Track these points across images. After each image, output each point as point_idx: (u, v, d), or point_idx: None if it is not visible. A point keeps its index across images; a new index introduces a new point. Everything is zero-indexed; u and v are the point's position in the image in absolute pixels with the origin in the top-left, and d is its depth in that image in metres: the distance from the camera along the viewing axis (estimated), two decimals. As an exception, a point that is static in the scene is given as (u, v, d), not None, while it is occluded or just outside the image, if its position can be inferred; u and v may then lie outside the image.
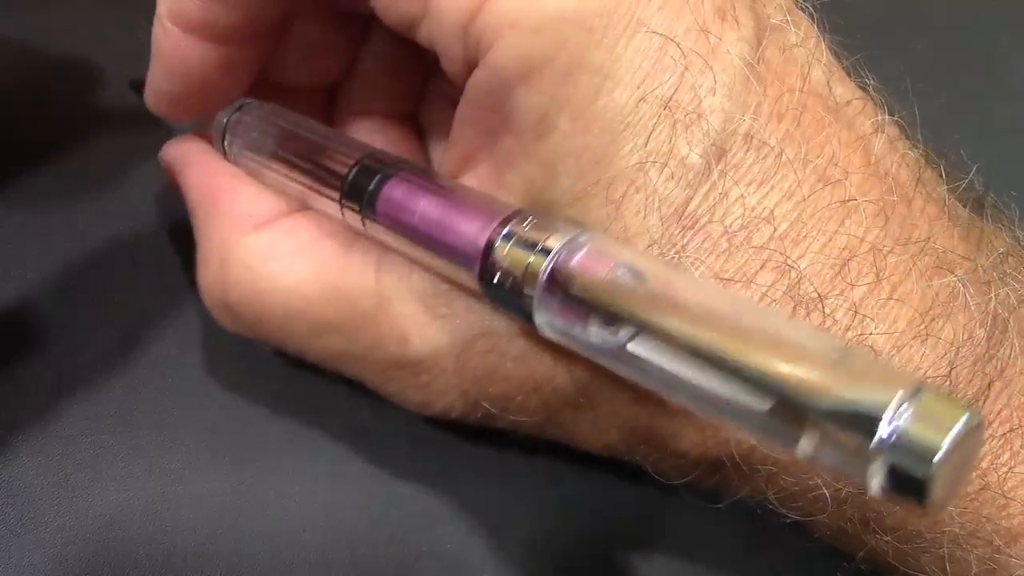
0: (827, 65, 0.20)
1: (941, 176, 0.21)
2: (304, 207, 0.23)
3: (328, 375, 0.23)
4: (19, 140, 0.28)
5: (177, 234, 0.27)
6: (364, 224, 0.20)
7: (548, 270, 0.17)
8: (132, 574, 0.24)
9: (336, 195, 0.21)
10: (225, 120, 0.24)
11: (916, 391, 0.13)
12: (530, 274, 0.17)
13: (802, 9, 0.20)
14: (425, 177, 0.20)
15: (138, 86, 0.27)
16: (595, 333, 0.16)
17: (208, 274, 0.22)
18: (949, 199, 0.21)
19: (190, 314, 0.27)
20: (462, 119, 0.20)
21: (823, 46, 0.20)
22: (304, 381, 0.26)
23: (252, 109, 0.24)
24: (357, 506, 0.25)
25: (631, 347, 0.16)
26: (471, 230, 0.18)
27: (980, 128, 0.21)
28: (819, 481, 0.19)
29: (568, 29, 0.17)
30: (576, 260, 0.17)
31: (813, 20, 0.20)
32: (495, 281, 0.17)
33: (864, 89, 0.21)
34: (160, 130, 0.28)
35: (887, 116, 0.20)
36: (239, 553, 0.24)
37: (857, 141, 0.19)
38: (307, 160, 0.22)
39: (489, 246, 0.18)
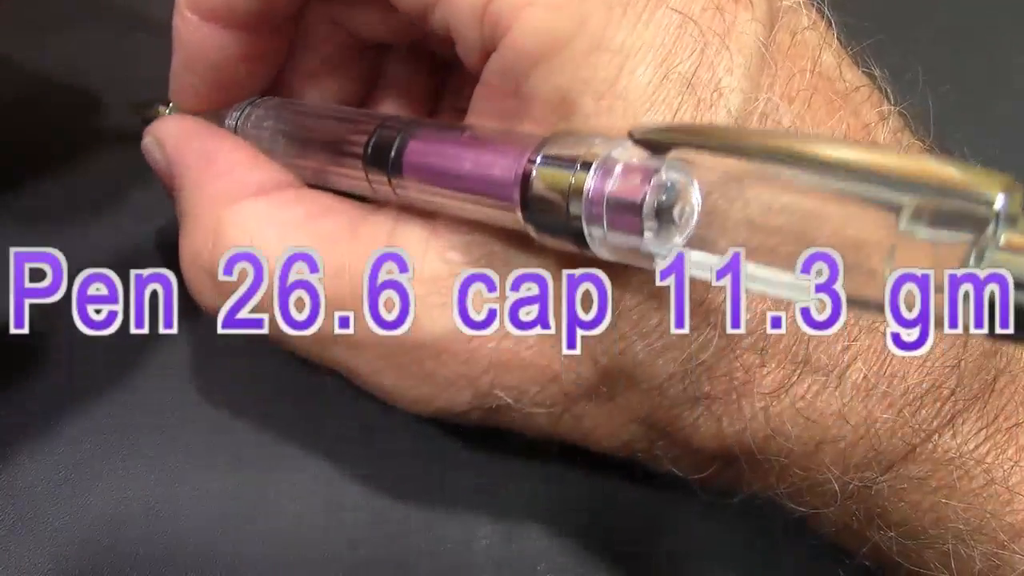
0: (836, 51, 0.20)
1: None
2: (310, 185, 0.22)
3: (330, 375, 0.23)
4: (19, 145, 0.28)
5: (177, 235, 0.27)
6: (392, 186, 0.19)
7: (594, 180, 0.16)
8: (132, 574, 0.24)
9: (358, 165, 0.20)
10: (237, 113, 0.24)
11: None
12: (575, 190, 0.16)
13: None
14: (445, 128, 0.19)
15: (138, 108, 0.26)
16: (650, 240, 0.16)
17: (196, 239, 0.21)
18: None
19: (190, 313, 0.27)
20: (478, 105, 0.19)
21: (832, 32, 0.20)
22: (304, 381, 0.26)
23: (264, 102, 0.24)
24: (357, 506, 0.25)
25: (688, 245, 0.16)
26: (505, 164, 0.17)
27: (980, 127, 0.21)
28: (828, 475, 0.19)
29: (588, 7, 0.17)
30: (623, 165, 0.16)
31: (824, 2, 0.20)
32: (539, 209, 0.17)
33: (871, 77, 0.21)
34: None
35: (892, 106, 0.20)
36: (239, 553, 0.24)
37: (864, 128, 0.19)
38: (323, 137, 0.21)
39: (527, 175, 0.17)
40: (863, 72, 0.21)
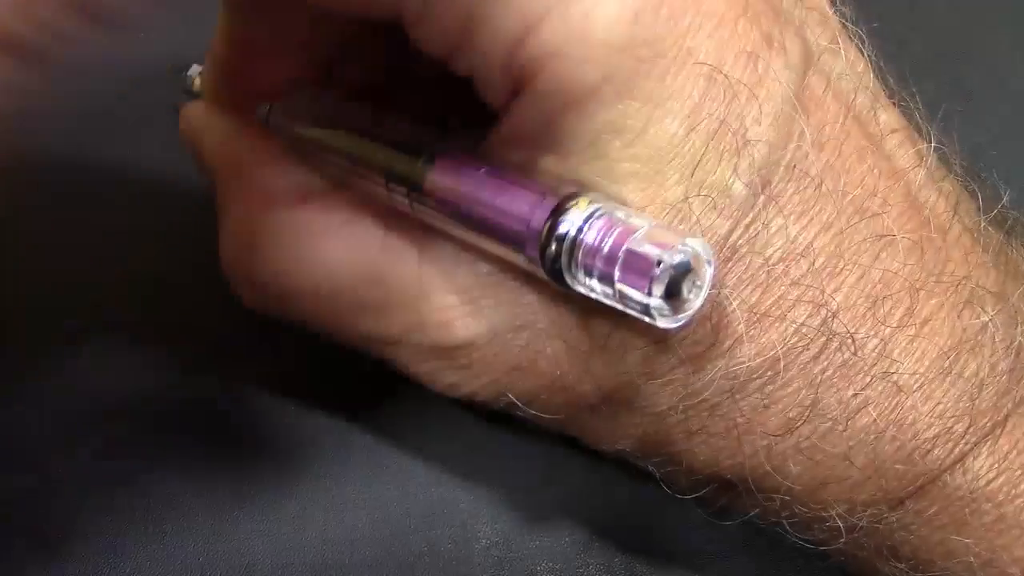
0: (873, 92, 0.20)
1: (977, 203, 0.21)
2: (341, 186, 0.22)
3: (327, 374, 0.23)
4: (21, 134, 0.28)
5: (180, 232, 0.27)
6: (411, 207, 0.20)
7: (608, 248, 0.16)
8: (133, 574, 0.24)
9: (381, 176, 0.20)
10: (267, 106, 0.23)
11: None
12: (587, 251, 0.17)
13: (851, 33, 0.20)
14: (472, 157, 0.19)
15: (177, 71, 0.27)
16: (658, 308, 0.16)
17: (234, 247, 0.22)
18: (982, 226, 0.21)
19: (191, 313, 0.27)
20: (501, 139, 0.19)
21: (870, 72, 0.20)
22: (305, 382, 0.26)
23: (297, 93, 0.24)
24: (358, 506, 0.25)
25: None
26: (525, 211, 0.17)
27: (980, 127, 0.21)
28: (832, 513, 0.19)
29: (616, 58, 0.17)
30: (641, 234, 0.16)
31: (863, 43, 0.20)
32: (554, 261, 0.17)
33: (909, 113, 0.21)
34: (157, 130, 0.28)
35: (931, 144, 0.20)
36: (239, 553, 0.24)
37: (897, 172, 0.19)
38: (351, 140, 0.22)
39: (546, 228, 0.17)
40: (902, 108, 0.21)
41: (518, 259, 0.18)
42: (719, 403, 0.19)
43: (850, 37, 0.20)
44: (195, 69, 0.26)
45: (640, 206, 0.18)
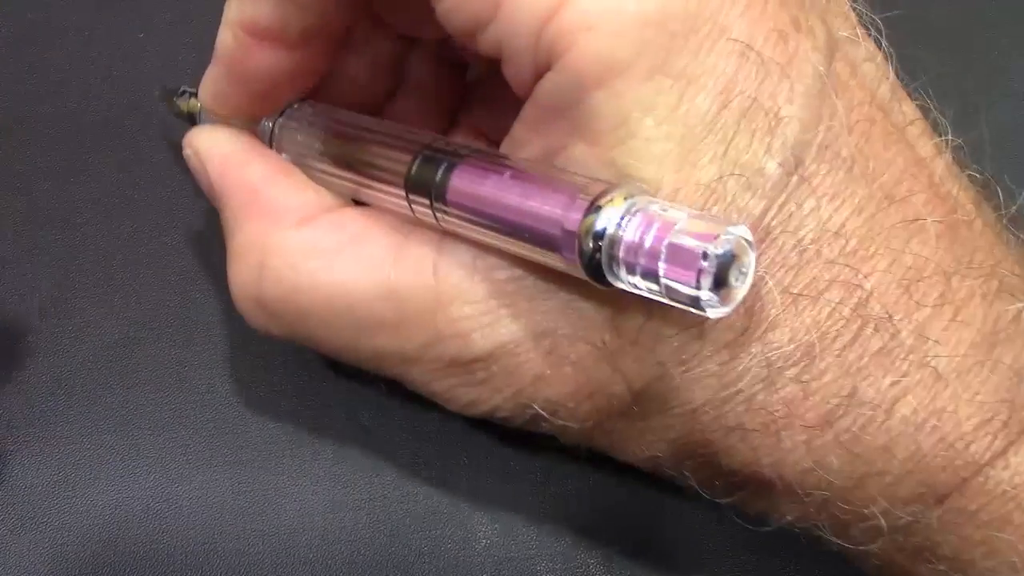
0: (892, 83, 0.20)
1: (997, 200, 0.21)
2: (351, 202, 0.22)
3: (327, 374, 0.23)
4: (18, 136, 0.28)
5: (179, 232, 0.27)
6: (436, 217, 0.19)
7: (651, 241, 0.16)
8: (132, 574, 0.24)
9: (399, 188, 0.20)
10: (273, 119, 0.23)
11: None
12: (628, 248, 0.16)
13: (867, 27, 0.20)
14: (493, 159, 0.19)
15: (168, 96, 0.26)
16: (707, 300, 0.16)
17: (243, 270, 0.22)
18: (1001, 224, 0.20)
19: (191, 313, 0.27)
20: (527, 123, 0.19)
21: (888, 63, 0.20)
22: (304, 381, 0.26)
23: (301, 107, 0.23)
24: (357, 506, 0.25)
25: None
26: (558, 212, 0.17)
27: (980, 129, 0.21)
28: (875, 509, 0.19)
29: (650, 32, 0.17)
30: (681, 225, 0.16)
31: (882, 35, 0.20)
32: (591, 260, 0.17)
33: (926, 111, 0.20)
34: (158, 130, 0.28)
35: (949, 138, 0.20)
36: (239, 553, 0.24)
37: (919, 162, 0.19)
38: (363, 153, 0.21)
39: (582, 228, 0.17)
40: (919, 104, 0.20)
41: (554, 260, 0.18)
42: (755, 394, 0.18)
43: (868, 29, 0.20)
44: (186, 93, 0.26)
45: (674, 187, 0.17)
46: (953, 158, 0.20)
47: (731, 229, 0.16)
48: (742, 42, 0.17)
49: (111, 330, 0.26)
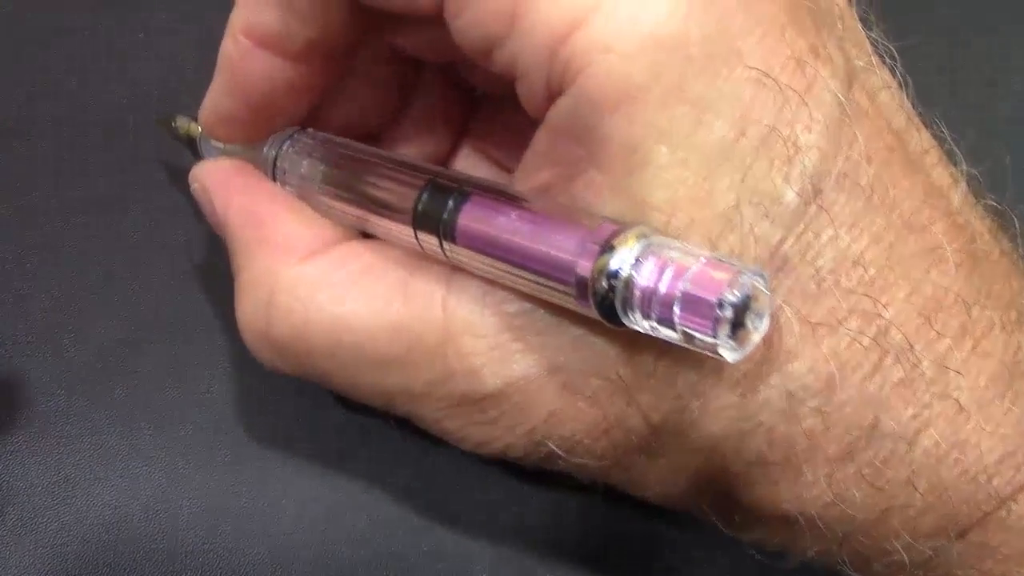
0: (908, 112, 0.20)
1: (1014, 230, 0.21)
2: (357, 234, 0.22)
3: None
4: (18, 136, 0.28)
5: (179, 232, 0.27)
6: (443, 250, 0.19)
7: (666, 287, 0.16)
8: (132, 574, 0.24)
9: (406, 221, 0.20)
10: (276, 148, 0.23)
11: None
12: (643, 294, 0.16)
13: (881, 55, 0.20)
14: (503, 193, 0.19)
15: (166, 122, 0.26)
16: (724, 344, 0.16)
17: (250, 306, 0.21)
18: (1016, 253, 0.20)
19: (191, 313, 0.27)
20: (539, 151, 0.19)
21: (903, 92, 0.20)
22: (304, 381, 0.26)
23: (305, 136, 0.23)
24: (357, 506, 0.25)
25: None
26: (570, 253, 0.17)
27: (980, 128, 0.21)
28: (897, 544, 0.18)
29: (666, 56, 0.16)
30: (694, 272, 0.16)
31: (896, 62, 0.20)
32: (603, 301, 0.16)
33: (941, 139, 0.20)
34: (156, 134, 0.28)
35: (964, 167, 0.20)
36: (239, 553, 0.24)
37: (938, 190, 0.19)
38: (368, 186, 0.21)
39: (595, 270, 0.16)
40: (932, 134, 0.20)
41: (566, 301, 0.17)
42: (775, 426, 0.18)
43: (883, 57, 0.20)
44: (183, 120, 0.26)
45: (689, 216, 0.17)
46: (968, 187, 0.20)
47: (746, 274, 0.15)
48: (759, 69, 0.17)
49: (111, 330, 0.26)
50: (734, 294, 0.15)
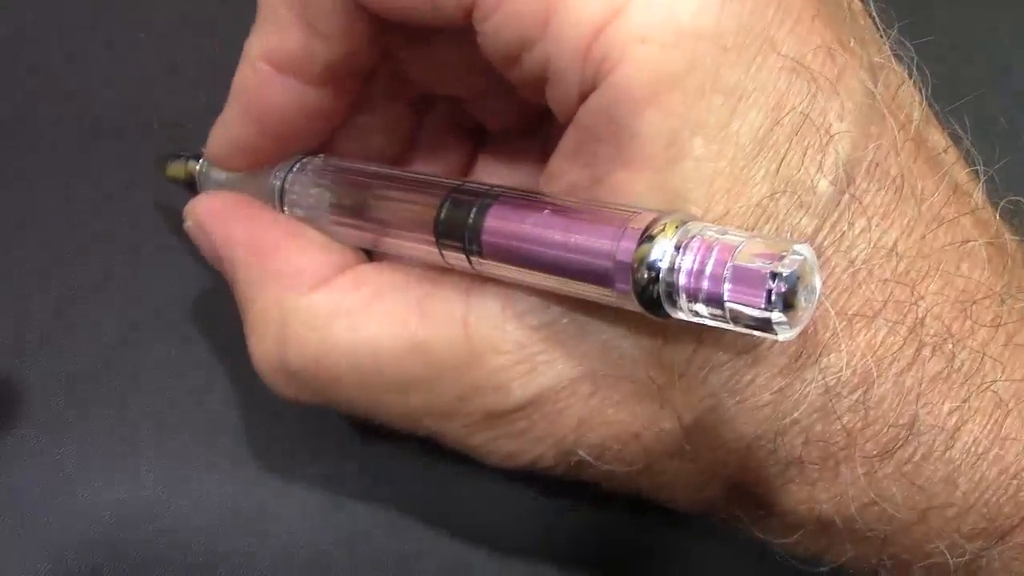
0: (925, 110, 0.20)
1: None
2: (365, 257, 0.22)
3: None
4: (18, 136, 0.28)
5: (179, 232, 0.27)
6: (470, 261, 0.19)
7: (711, 266, 0.15)
8: (132, 574, 0.24)
9: (427, 235, 0.19)
10: (283, 175, 0.22)
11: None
12: (689, 275, 0.16)
13: (899, 55, 0.20)
14: (528, 197, 0.18)
15: (165, 163, 0.26)
16: (778, 322, 0.15)
17: (263, 340, 0.21)
18: None
19: (191, 313, 0.27)
20: (566, 151, 0.18)
21: (920, 91, 0.20)
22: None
23: (312, 160, 0.22)
24: (357, 507, 0.25)
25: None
26: (607, 245, 0.16)
27: (980, 129, 0.21)
28: (940, 545, 0.18)
29: (702, 46, 0.16)
30: (743, 248, 0.15)
31: (913, 62, 0.20)
32: (645, 291, 0.16)
33: (958, 138, 0.20)
34: (155, 134, 0.28)
35: (980, 167, 0.20)
36: (238, 553, 0.24)
37: (958, 187, 0.19)
38: (382, 203, 0.20)
39: (635, 259, 0.16)
40: (950, 132, 0.20)
41: (603, 295, 0.17)
42: (812, 425, 0.18)
43: (900, 56, 0.20)
44: (183, 157, 0.25)
45: (724, 208, 0.17)
46: (985, 186, 0.20)
47: (797, 247, 0.15)
48: (792, 58, 0.17)
49: (111, 330, 0.26)
50: (787, 266, 0.15)
